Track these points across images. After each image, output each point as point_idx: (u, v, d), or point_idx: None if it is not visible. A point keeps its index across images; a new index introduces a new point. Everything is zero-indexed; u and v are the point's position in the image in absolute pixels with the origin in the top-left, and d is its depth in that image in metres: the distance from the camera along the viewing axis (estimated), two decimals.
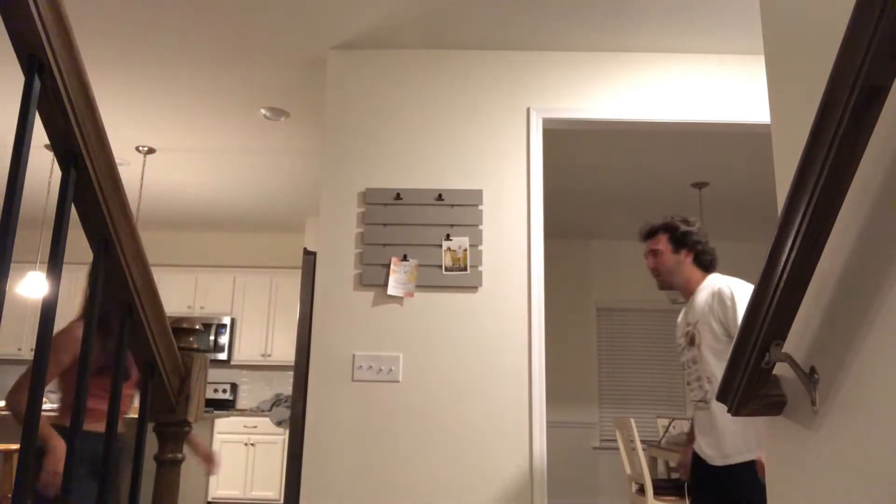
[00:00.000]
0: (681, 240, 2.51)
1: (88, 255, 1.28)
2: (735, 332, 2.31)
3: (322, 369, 3.10)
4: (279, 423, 4.67)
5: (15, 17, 1.00)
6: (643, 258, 2.69)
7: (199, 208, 6.50)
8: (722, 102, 3.37)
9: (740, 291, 2.37)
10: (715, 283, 2.44)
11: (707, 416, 2.40)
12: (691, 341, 2.44)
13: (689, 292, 2.51)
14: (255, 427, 6.18)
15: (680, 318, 2.60)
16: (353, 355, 3.11)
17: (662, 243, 2.52)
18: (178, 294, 6.84)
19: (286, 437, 5.44)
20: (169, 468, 1.49)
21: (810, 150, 1.17)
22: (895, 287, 1.13)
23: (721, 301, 2.36)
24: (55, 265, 1.14)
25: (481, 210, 3.24)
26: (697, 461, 2.47)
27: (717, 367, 2.34)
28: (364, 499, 2.98)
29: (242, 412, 6.33)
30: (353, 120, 3.37)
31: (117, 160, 1.26)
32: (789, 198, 1.23)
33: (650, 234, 2.57)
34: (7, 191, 1.05)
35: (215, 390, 6.78)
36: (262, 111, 4.23)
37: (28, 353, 6.54)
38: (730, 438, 2.31)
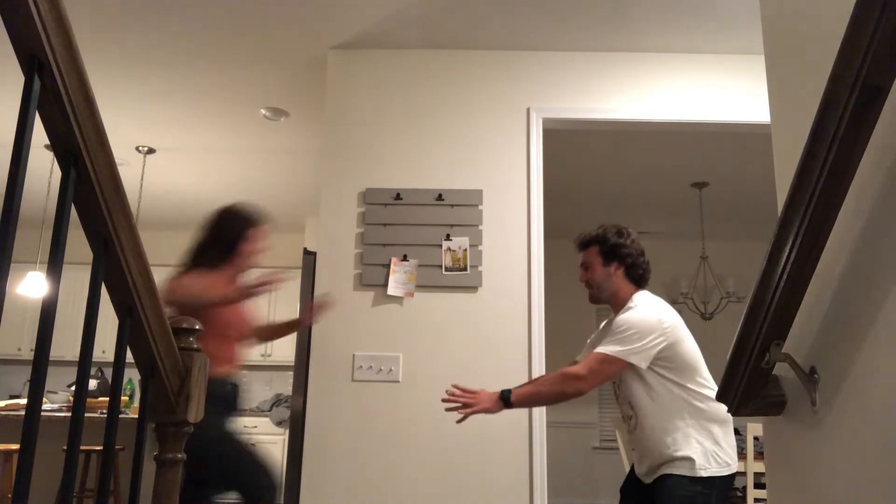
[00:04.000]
0: (610, 252, 2.37)
1: (88, 255, 1.28)
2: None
3: (322, 369, 3.10)
4: (279, 423, 4.66)
5: (15, 17, 1.00)
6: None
7: (199, 208, 6.46)
8: (722, 102, 3.37)
9: (637, 312, 2.24)
10: (633, 301, 2.31)
11: (632, 439, 2.34)
12: None
13: (617, 307, 2.37)
14: (255, 427, 6.17)
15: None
16: (353, 355, 3.11)
17: (593, 255, 2.40)
18: None
19: (286, 437, 5.44)
20: (169, 468, 1.49)
21: (810, 150, 1.17)
22: (895, 287, 1.13)
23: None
24: (55, 265, 1.14)
25: (481, 210, 3.24)
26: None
27: (637, 391, 2.24)
28: (364, 499, 2.97)
29: (242, 412, 6.32)
30: (353, 120, 3.37)
31: (117, 160, 1.25)
32: (789, 198, 1.23)
33: (581, 245, 2.44)
34: (7, 191, 1.05)
35: None
36: (262, 111, 4.23)
37: (28, 353, 6.54)
38: (656, 455, 2.23)
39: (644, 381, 2.24)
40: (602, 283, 2.38)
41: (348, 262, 3.20)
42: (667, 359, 2.21)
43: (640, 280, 2.39)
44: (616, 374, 2.25)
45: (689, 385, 2.22)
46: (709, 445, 2.18)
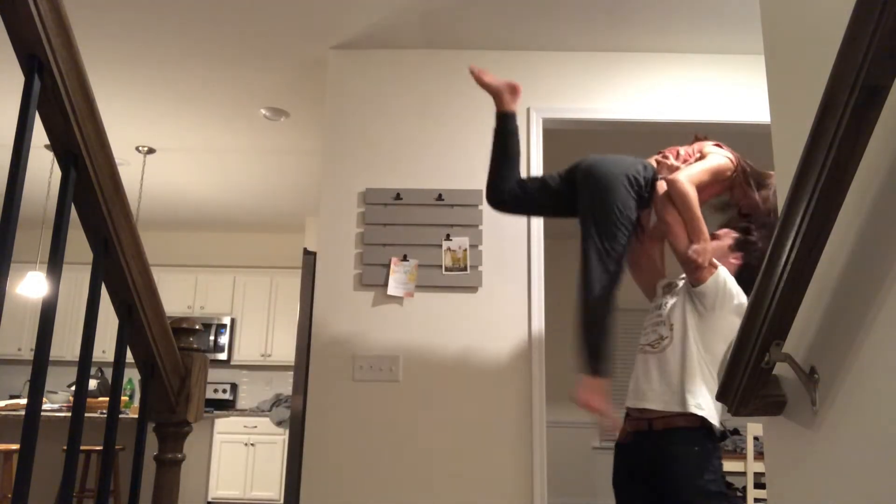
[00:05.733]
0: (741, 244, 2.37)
1: (88, 255, 1.28)
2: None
3: (322, 369, 3.10)
4: (279, 423, 4.66)
5: (15, 17, 1.00)
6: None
7: (199, 208, 6.50)
8: (722, 102, 3.37)
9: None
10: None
11: (656, 360, 2.19)
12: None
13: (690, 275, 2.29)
14: (255, 427, 6.17)
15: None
16: (353, 355, 3.11)
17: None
18: (178, 294, 6.84)
19: (286, 437, 5.45)
20: (169, 468, 1.49)
21: (810, 151, 1.17)
22: (895, 287, 1.13)
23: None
24: (55, 265, 1.14)
25: (481, 210, 3.24)
26: (623, 448, 2.32)
27: (689, 319, 2.18)
28: (364, 499, 2.97)
29: (242, 412, 6.32)
30: (353, 120, 3.37)
31: (117, 160, 1.25)
32: (789, 198, 1.23)
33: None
34: (7, 191, 1.05)
35: (215, 390, 6.78)
36: (262, 111, 4.23)
37: (28, 353, 6.54)
38: (677, 389, 2.12)
39: (699, 317, 2.17)
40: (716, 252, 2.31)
41: (348, 262, 3.20)
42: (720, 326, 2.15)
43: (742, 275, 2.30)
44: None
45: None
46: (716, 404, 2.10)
